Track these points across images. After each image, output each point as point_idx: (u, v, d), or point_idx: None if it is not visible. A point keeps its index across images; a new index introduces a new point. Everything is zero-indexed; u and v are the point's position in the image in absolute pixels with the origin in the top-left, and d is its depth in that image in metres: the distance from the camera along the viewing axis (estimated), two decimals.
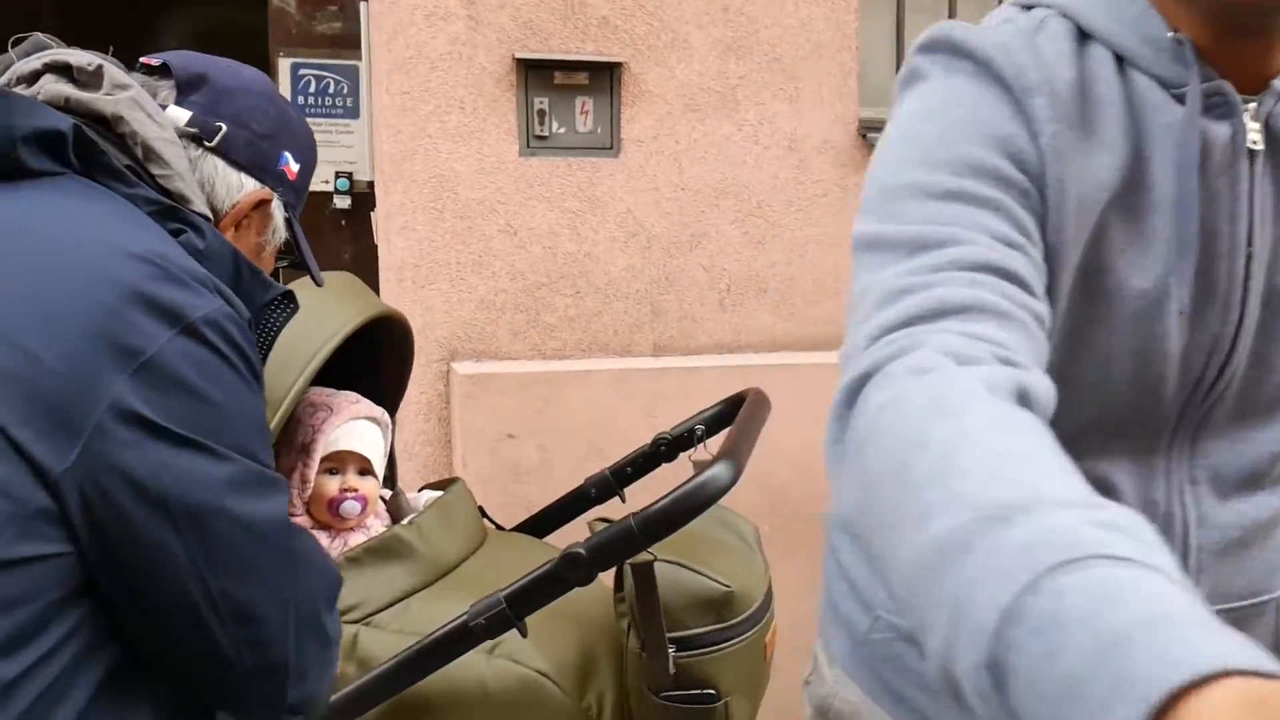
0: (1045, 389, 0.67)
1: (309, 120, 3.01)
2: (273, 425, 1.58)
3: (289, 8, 2.89)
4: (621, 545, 1.31)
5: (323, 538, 1.73)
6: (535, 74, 2.47)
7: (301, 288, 1.81)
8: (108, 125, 1.00)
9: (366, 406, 1.81)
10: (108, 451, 0.83)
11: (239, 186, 1.12)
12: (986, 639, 0.46)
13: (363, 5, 2.64)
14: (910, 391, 0.63)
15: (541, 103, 2.49)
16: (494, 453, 2.44)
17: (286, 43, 2.90)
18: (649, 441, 1.87)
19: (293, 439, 1.74)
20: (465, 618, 1.37)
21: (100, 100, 1.00)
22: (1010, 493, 0.51)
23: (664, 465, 1.86)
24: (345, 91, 2.92)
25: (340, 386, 1.84)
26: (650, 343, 2.59)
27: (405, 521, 1.70)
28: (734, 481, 1.33)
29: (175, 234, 0.96)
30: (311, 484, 1.71)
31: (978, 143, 0.79)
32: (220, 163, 1.10)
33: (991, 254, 0.74)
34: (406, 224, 2.47)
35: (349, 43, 2.86)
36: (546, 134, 2.49)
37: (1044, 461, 0.54)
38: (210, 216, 1.06)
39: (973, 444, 0.55)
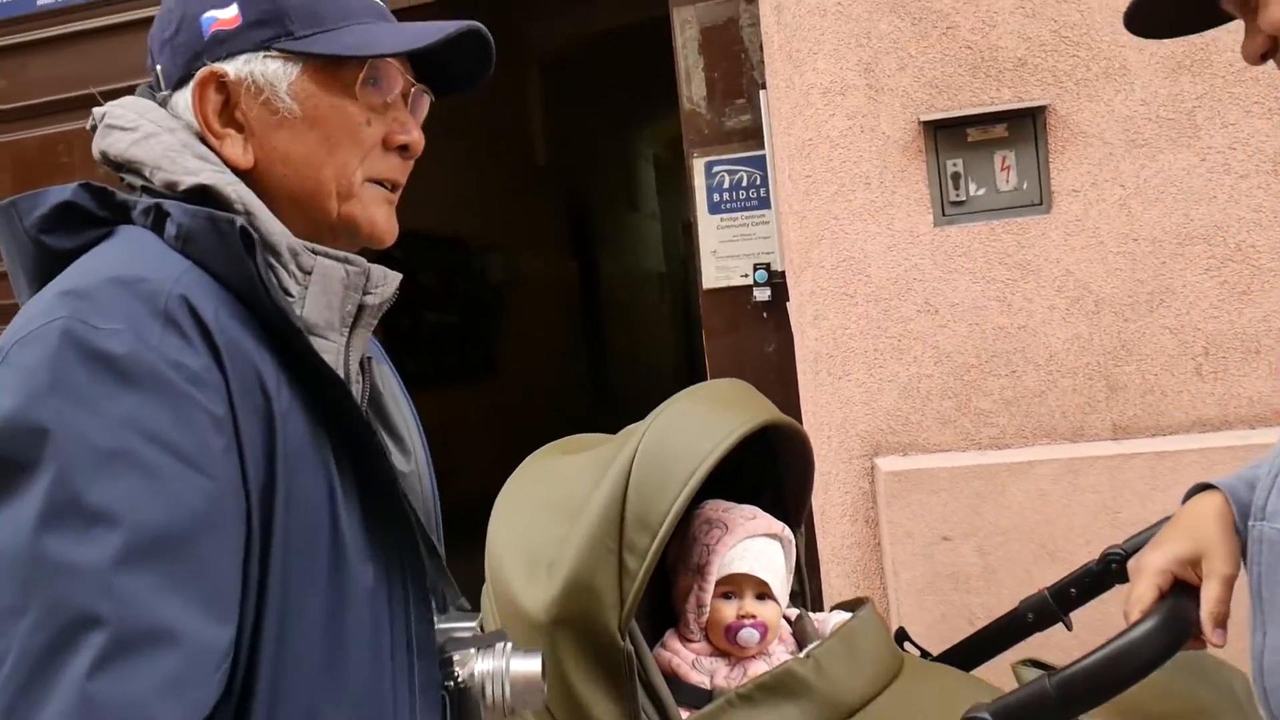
0: None
1: (724, 217, 3.02)
2: (653, 547, 1.50)
3: (699, 108, 2.91)
4: (1035, 714, 1.05)
5: (722, 666, 1.61)
6: (945, 135, 2.24)
7: (688, 400, 1.73)
8: (117, 164, 0.93)
9: (764, 523, 1.67)
10: None
11: (187, 101, 0.92)
12: None
13: (761, 93, 2.58)
14: None
15: (955, 164, 2.24)
16: (927, 558, 2.19)
17: (700, 143, 2.92)
18: (1097, 556, 1.53)
19: (689, 558, 1.66)
20: None
21: (95, 146, 0.93)
22: None
23: (1118, 586, 1.52)
24: (757, 183, 2.88)
25: (742, 497, 1.73)
26: (1108, 424, 2.20)
27: (803, 654, 1.53)
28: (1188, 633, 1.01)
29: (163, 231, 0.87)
30: (708, 608, 1.61)
31: None
32: (182, 97, 0.93)
33: None
34: (818, 313, 2.34)
35: (757, 134, 2.82)
36: (963, 198, 2.24)
37: None
38: (205, 184, 0.89)
39: None
